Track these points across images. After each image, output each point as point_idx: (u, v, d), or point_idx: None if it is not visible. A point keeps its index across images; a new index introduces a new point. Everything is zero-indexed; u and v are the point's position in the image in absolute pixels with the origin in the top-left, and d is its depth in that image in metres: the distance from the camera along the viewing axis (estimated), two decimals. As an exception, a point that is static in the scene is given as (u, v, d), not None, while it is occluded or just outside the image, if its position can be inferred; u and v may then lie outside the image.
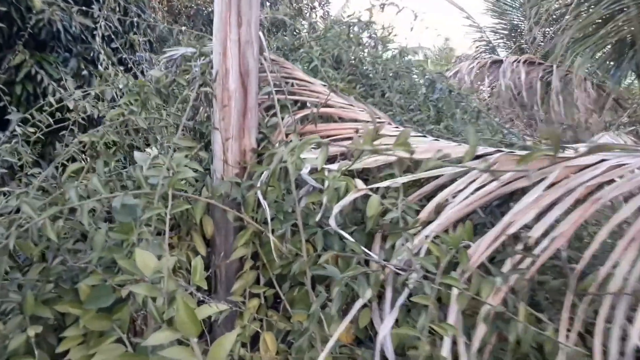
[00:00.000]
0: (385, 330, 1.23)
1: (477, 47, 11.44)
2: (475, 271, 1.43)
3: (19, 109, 4.34)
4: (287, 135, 1.87)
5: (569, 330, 1.27)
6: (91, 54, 4.94)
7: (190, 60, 2.10)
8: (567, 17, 7.57)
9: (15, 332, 1.47)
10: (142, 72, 5.56)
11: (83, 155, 1.99)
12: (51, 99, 2.04)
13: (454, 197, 1.66)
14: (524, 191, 1.82)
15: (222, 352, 0.86)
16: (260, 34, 1.91)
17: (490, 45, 10.97)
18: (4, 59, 4.30)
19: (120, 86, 2.00)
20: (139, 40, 5.64)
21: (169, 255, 1.19)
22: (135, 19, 4.45)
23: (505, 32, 11.33)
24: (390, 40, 2.90)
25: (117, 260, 1.35)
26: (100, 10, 4.70)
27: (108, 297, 1.47)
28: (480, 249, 1.45)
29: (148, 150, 1.51)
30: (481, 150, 1.85)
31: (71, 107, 2.11)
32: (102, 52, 4.76)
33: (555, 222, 1.56)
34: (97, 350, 1.37)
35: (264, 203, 1.51)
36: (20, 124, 2.42)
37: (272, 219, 1.55)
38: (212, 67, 1.92)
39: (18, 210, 1.67)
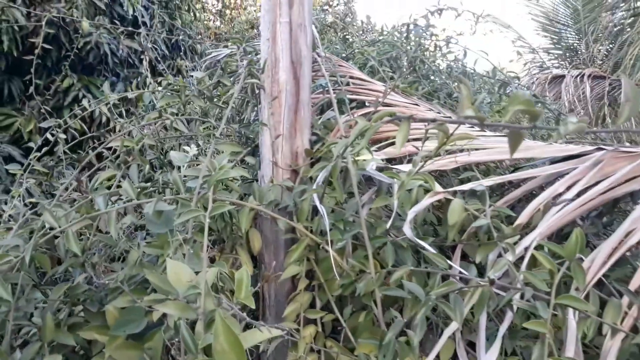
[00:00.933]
0: (486, 368, 0.93)
1: (529, 68, 11.00)
2: (592, 290, 1.12)
3: (67, 134, 4.31)
4: (344, 135, 1.62)
5: None
6: (138, 79, 4.91)
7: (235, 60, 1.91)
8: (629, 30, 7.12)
9: (33, 362, 1.26)
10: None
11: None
12: (85, 103, 1.88)
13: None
14: (632, 197, 1.50)
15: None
16: (313, 27, 1.69)
17: (544, 66, 10.51)
18: (53, 82, 4.29)
19: (159, 88, 1.82)
20: (185, 66, 5.61)
21: (208, 267, 0.95)
22: (180, 37, 4.37)
23: (560, 51, 10.86)
24: (451, 40, 2.63)
25: (147, 276, 1.11)
26: (147, 34, 4.67)
27: (139, 322, 1.24)
28: (596, 263, 1.14)
29: (186, 148, 1.29)
30: (578, 149, 1.54)
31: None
32: (149, 76, 4.72)
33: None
34: (123, 386, 1.13)
35: (321, 208, 1.25)
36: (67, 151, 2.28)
37: (329, 230, 1.29)
38: (259, 60, 1.72)
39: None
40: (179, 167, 1.34)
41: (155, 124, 1.69)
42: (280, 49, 1.43)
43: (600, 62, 9.40)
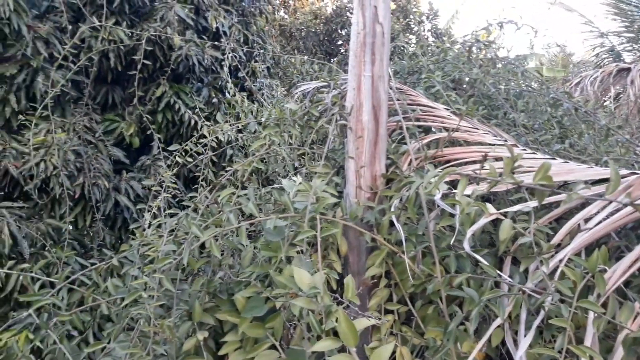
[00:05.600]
0: (522, 350, 1.29)
1: (597, 53, 10.74)
2: (611, 295, 1.44)
3: (160, 135, 4.89)
4: (413, 159, 1.99)
5: None
6: (220, 83, 5.42)
7: (322, 92, 2.30)
8: None
9: (183, 336, 1.73)
10: (262, 97, 5.99)
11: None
12: (205, 132, 2.33)
13: (586, 221, 1.67)
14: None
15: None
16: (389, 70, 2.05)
17: (614, 50, 10.26)
18: (148, 91, 4.86)
19: (263, 119, 2.24)
20: (260, 68, 6.08)
21: (322, 273, 1.35)
22: (260, 51, 4.82)
23: (632, 34, 10.51)
24: (508, 57, 2.91)
25: (273, 276, 1.54)
26: (227, 43, 5.15)
27: (262, 308, 1.67)
28: (617, 273, 1.46)
29: (294, 178, 1.70)
30: (614, 172, 1.83)
31: (223, 139, 2.38)
32: (229, 81, 5.21)
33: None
34: (255, 355, 1.57)
35: (398, 226, 1.63)
36: (167, 149, 2.78)
37: (405, 241, 1.67)
38: (341, 99, 2.11)
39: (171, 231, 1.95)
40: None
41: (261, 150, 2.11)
42: (364, 96, 1.81)
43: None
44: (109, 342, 1.68)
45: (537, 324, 1.33)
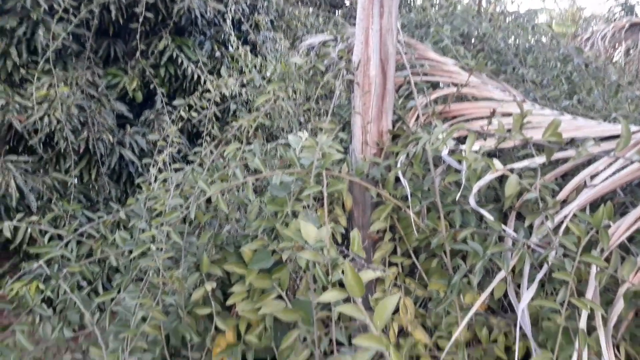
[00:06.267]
0: (524, 302, 1.32)
1: (609, 7, 10.46)
2: (615, 250, 1.45)
3: (163, 89, 4.83)
4: (421, 115, 1.97)
5: None
6: (222, 37, 5.31)
7: (328, 46, 2.26)
8: None
9: (191, 287, 1.76)
10: (266, 50, 5.89)
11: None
12: (210, 86, 2.31)
13: (592, 177, 1.67)
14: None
15: (386, 311, 1.02)
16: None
17: (627, 4, 9.98)
18: (150, 44, 4.78)
19: (268, 73, 2.22)
20: (264, 21, 5.96)
21: (328, 227, 1.37)
22: (264, 3, 4.71)
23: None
24: (518, 12, 2.85)
25: (279, 230, 1.56)
26: (230, -5, 5.03)
27: (268, 260, 1.70)
28: (621, 229, 1.47)
29: (300, 134, 1.70)
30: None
31: (227, 93, 2.36)
32: (232, 34, 5.12)
33: None
34: (262, 304, 1.61)
35: (404, 181, 1.64)
36: (170, 104, 2.73)
37: (410, 196, 1.67)
38: (348, 53, 2.07)
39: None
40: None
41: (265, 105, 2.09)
42: (371, 50, 1.78)
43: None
44: (118, 293, 1.72)
45: (540, 277, 1.35)
